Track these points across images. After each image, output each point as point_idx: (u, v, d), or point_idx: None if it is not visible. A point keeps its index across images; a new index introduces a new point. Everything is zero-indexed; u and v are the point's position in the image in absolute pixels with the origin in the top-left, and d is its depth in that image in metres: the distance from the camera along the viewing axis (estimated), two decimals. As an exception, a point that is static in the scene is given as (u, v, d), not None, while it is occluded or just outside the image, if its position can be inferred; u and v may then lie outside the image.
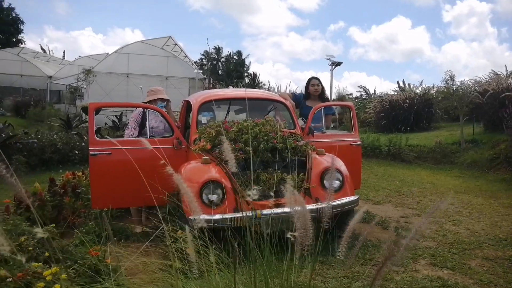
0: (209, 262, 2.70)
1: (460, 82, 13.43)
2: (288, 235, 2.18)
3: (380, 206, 6.74)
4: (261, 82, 51.21)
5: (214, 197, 4.25)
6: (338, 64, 17.38)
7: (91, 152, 5.01)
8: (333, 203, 4.33)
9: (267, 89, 31.98)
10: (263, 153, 4.63)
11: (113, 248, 3.45)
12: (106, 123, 18.16)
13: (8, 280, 3.15)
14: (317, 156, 4.83)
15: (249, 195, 4.28)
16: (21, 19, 41.03)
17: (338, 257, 2.01)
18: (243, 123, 4.92)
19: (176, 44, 25.66)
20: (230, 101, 5.78)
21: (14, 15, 40.36)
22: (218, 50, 58.26)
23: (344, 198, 4.45)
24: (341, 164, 4.80)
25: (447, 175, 10.10)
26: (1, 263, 3.71)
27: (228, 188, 4.28)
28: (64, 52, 45.11)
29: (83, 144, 11.68)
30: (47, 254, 3.97)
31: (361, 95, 29.57)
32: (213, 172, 4.43)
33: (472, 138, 12.78)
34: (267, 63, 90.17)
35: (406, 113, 16.23)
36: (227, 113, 5.72)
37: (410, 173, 10.06)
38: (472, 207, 6.74)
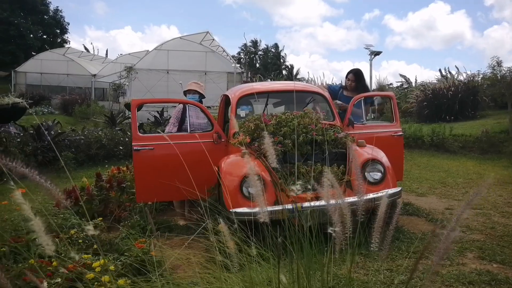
0: (249, 255, 2.71)
1: (508, 68, 12.92)
2: (329, 230, 2.15)
3: (424, 198, 6.59)
4: (298, 74, 51.07)
5: (253, 190, 4.25)
6: (377, 53, 17.01)
7: (135, 148, 5.12)
8: (375, 196, 4.27)
9: (305, 81, 31.83)
10: (302, 146, 4.61)
11: (157, 241, 3.53)
12: (148, 119, 18.52)
13: (60, 271, 3.28)
14: (357, 148, 4.76)
15: (292, 190, 4.29)
16: (65, 20, 42.24)
17: (372, 249, 1.98)
18: (282, 116, 4.91)
19: (213, 39, 25.83)
20: (268, 94, 5.77)
21: (59, 17, 41.56)
22: (255, 43, 58.29)
23: (385, 190, 4.37)
24: (382, 156, 4.72)
25: (494, 165, 9.76)
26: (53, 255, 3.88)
27: (267, 181, 4.29)
28: (107, 51, 46.30)
29: (126, 139, 11.95)
30: (95, 246, 4.11)
31: (401, 85, 28.96)
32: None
33: (522, 126, 12.28)
34: (303, 54, 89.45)
35: (450, 101, 15.72)
36: (265, 106, 5.72)
37: (455, 164, 9.77)
38: (523, 198, 6.48)
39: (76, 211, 5.78)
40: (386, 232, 4.26)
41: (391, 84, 25.54)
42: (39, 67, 31.73)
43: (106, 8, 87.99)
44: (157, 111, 18.48)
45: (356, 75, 6.40)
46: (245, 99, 5.79)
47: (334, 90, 6.53)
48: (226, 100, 6.28)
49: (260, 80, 37.31)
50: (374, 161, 4.52)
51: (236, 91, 5.81)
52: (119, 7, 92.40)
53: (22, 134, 10.73)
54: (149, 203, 5.52)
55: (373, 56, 17.05)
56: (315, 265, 3.01)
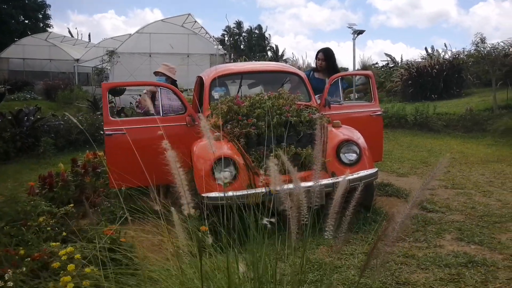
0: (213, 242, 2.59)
1: (492, 44, 12.79)
2: (265, 221, 2.05)
3: (405, 178, 6.50)
4: (284, 55, 50.71)
5: (226, 174, 4.13)
6: (360, 32, 16.78)
7: (106, 132, 4.97)
8: (350, 177, 4.15)
9: (290, 62, 31.58)
10: (276, 128, 4.47)
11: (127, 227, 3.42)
12: (131, 103, 18.28)
13: (26, 260, 3.17)
14: (332, 129, 4.64)
15: (264, 172, 4.15)
16: (47, 4, 41.35)
17: (326, 236, 1.86)
18: (256, 97, 4.76)
19: (195, 21, 25.46)
20: (241, 75, 5.60)
21: (40, 1, 40.66)
22: (239, 25, 57.65)
23: (361, 172, 4.26)
24: (358, 136, 4.61)
25: (478, 143, 9.70)
26: (21, 243, 3.75)
27: (240, 164, 4.16)
28: (89, 35, 45.55)
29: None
30: (64, 234, 3.99)
31: (387, 64, 28.84)
32: (225, 148, 4.31)
33: (506, 103, 12.21)
34: (288, 35, 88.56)
35: (434, 80, 15.63)
36: (239, 87, 5.56)
37: (438, 143, 9.70)
38: (505, 177, 6.41)
39: (51, 197, 5.65)
40: (359, 215, 4.15)
41: (376, 63, 25.41)
42: (21, 52, 31.10)
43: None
44: (140, 95, 18.21)
45: (326, 54, 6.22)
46: (220, 81, 5.63)
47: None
48: (200, 82, 6.11)
49: (245, 62, 37.12)
50: (349, 141, 4.40)
51: (210, 73, 5.64)
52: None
53: (0, 120, 10.46)
54: (123, 188, 5.37)
55: (356, 35, 16.83)
56: (283, 252, 2.91)
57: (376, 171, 4.38)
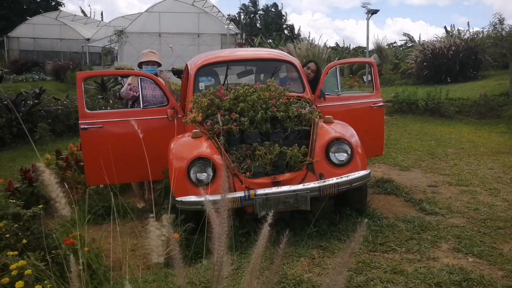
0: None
1: (511, 26, 12.12)
2: None
3: (408, 173, 6.08)
4: (300, 34, 49.84)
5: (203, 176, 3.79)
6: (374, 12, 16.12)
7: (81, 126, 4.65)
8: (339, 180, 3.79)
9: (307, 41, 30.90)
10: (261, 124, 4.10)
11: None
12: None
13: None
14: (323, 125, 4.24)
15: (243, 173, 3.81)
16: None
17: None
18: (240, 89, 4.37)
19: (206, 0, 24.87)
20: (227, 63, 5.20)
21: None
22: (254, 3, 56.65)
23: (352, 174, 3.87)
24: (350, 133, 4.20)
25: (491, 131, 9.19)
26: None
27: (219, 165, 3.81)
28: (102, 14, 45.20)
29: (108, 108, 11.45)
30: (24, 241, 3.72)
31: (405, 43, 28.04)
32: (204, 147, 3.97)
33: (524, 87, 11.61)
34: (306, 13, 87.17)
35: (450, 62, 14.98)
36: (225, 78, 5.16)
37: (449, 130, 9.20)
38: (516, 171, 5.97)
39: (30, 192, 5.39)
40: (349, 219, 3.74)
41: (395, 42, 24.71)
42: (32, 32, 30.92)
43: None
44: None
45: (317, 66, 5.79)
46: (208, 69, 5.26)
47: None
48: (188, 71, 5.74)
49: (261, 41, 36.43)
50: (340, 140, 4.01)
51: (196, 61, 5.24)
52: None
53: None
54: (101, 186, 5.08)
55: (370, 14, 16.20)
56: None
57: (369, 173, 3.98)
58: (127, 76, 6.32)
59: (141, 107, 4.82)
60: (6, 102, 10.24)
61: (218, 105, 4.25)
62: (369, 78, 17.42)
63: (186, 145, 4.07)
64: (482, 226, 4.06)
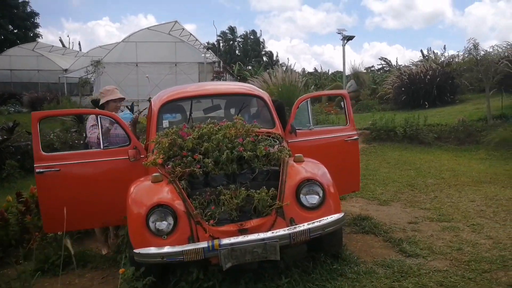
0: None
1: (485, 51, 12.14)
2: None
3: (387, 208, 5.83)
4: (278, 60, 50.16)
5: (163, 225, 3.48)
6: (350, 38, 16.20)
7: (37, 170, 4.30)
8: (311, 226, 3.50)
9: (285, 67, 30.98)
10: (226, 165, 3.81)
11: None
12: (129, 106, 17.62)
13: None
14: (294, 164, 3.97)
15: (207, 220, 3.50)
16: (36, 13, 40.65)
17: None
18: (205, 127, 4.10)
19: (183, 29, 24.88)
20: (191, 100, 4.93)
21: (29, 9, 39.99)
22: (232, 30, 57.03)
23: (324, 218, 3.59)
24: (322, 172, 3.93)
25: (471, 157, 9.06)
26: None
27: (181, 212, 3.51)
28: (79, 44, 44.92)
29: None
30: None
31: (383, 67, 28.30)
32: (164, 192, 3.66)
33: (501, 113, 11.55)
34: (284, 39, 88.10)
35: (427, 86, 15.00)
36: (189, 115, 4.88)
37: (429, 158, 9.04)
38: (498, 203, 5.74)
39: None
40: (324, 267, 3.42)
41: (372, 67, 24.90)
42: (8, 63, 30.57)
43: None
44: (127, 106, 17.61)
45: (280, 108, 5.55)
46: (173, 105, 4.98)
47: None
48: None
49: (240, 68, 36.43)
50: (311, 181, 3.73)
51: (161, 97, 4.97)
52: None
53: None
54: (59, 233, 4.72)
55: (345, 41, 16.24)
56: None
57: (343, 216, 3.70)
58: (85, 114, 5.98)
59: (101, 147, 4.51)
60: (-29, 139, 9.84)
61: (180, 146, 3.96)
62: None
63: (145, 190, 3.76)
64: (466, 269, 3.79)
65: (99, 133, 4.55)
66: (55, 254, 4.47)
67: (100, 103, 5.14)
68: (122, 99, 5.26)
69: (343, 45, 16.51)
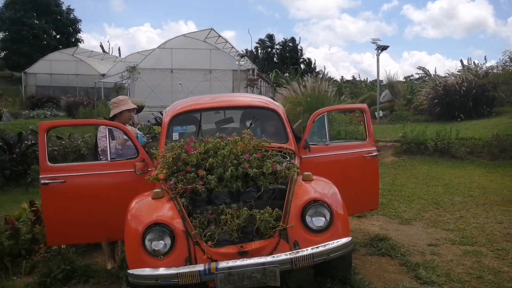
0: None
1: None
2: None
3: (407, 227, 5.54)
4: (316, 68, 49.85)
5: (160, 245, 3.34)
6: (384, 48, 15.82)
7: (42, 181, 4.25)
8: (314, 250, 3.30)
9: (322, 75, 30.65)
10: (231, 182, 3.66)
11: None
12: (148, 120, 17.85)
13: None
14: (302, 183, 3.77)
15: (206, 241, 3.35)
16: (78, 19, 41.84)
17: None
18: (212, 141, 3.96)
19: (219, 36, 24.94)
20: (200, 112, 4.80)
21: (72, 16, 41.18)
22: (270, 37, 57.03)
23: (329, 243, 3.38)
24: (332, 193, 3.71)
25: (504, 174, 8.60)
26: None
27: (179, 232, 3.37)
28: (119, 49, 45.82)
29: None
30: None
31: (421, 77, 27.65)
32: (164, 210, 3.53)
33: (540, 126, 11.01)
34: (323, 47, 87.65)
35: (463, 98, 14.45)
36: (199, 128, 4.75)
37: (459, 173, 8.64)
38: (528, 227, 5.38)
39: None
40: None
41: (411, 75, 24.38)
42: (49, 68, 31.45)
43: (124, 5, 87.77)
44: (160, 112, 17.79)
45: None
46: (185, 117, 4.86)
47: None
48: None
49: (276, 76, 36.32)
50: (318, 202, 3.53)
51: (173, 108, 4.88)
52: (137, 4, 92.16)
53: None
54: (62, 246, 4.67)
55: (380, 50, 15.87)
56: None
57: (350, 241, 3.48)
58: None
59: (108, 159, 4.44)
60: (0, 143, 10.04)
61: (185, 160, 3.84)
62: (381, 115, 16.97)
63: (145, 207, 3.64)
64: (485, 301, 3.52)
65: (107, 145, 4.48)
66: (58, 267, 4.40)
67: (113, 114, 5.07)
68: (135, 109, 5.19)
69: (377, 55, 16.15)
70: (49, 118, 21.75)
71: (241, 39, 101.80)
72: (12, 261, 4.93)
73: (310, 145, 4.61)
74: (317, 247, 3.33)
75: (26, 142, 10.58)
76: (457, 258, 4.44)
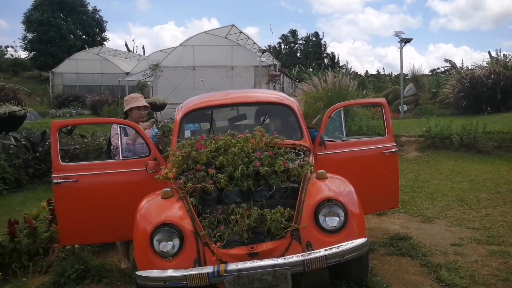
0: None
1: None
2: None
3: (430, 226, 5.33)
4: (339, 62, 49.35)
5: (168, 246, 3.26)
6: (408, 40, 15.47)
7: (55, 180, 4.22)
8: (327, 252, 3.16)
9: (345, 70, 30.25)
10: (241, 181, 3.54)
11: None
12: (171, 118, 17.93)
13: None
14: (316, 181, 3.63)
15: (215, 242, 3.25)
16: (104, 19, 42.47)
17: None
18: (222, 139, 3.85)
19: (240, 32, 24.87)
20: (212, 109, 4.70)
21: (98, 16, 41.81)
22: (293, 33, 56.71)
23: (344, 244, 3.23)
24: (347, 192, 3.56)
25: (535, 169, 8.27)
26: None
27: (188, 232, 3.28)
28: (143, 48, 46.18)
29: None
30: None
31: (448, 69, 27.02)
32: (173, 210, 3.44)
33: None
34: (346, 41, 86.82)
35: (490, 91, 14.01)
36: (211, 126, 4.65)
37: (486, 169, 8.33)
38: (558, 224, 5.12)
39: (12, 248, 5.01)
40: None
41: (438, 68, 23.84)
42: (75, 67, 32.06)
43: (148, 4, 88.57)
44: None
45: None
46: (198, 114, 4.77)
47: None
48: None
49: (299, 71, 36.02)
50: (332, 201, 3.38)
51: (186, 105, 4.79)
52: (162, 3, 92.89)
53: (13, 146, 10.13)
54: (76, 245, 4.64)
55: (403, 44, 15.53)
56: None
57: (366, 242, 3.32)
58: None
59: (120, 158, 4.38)
60: (24, 142, 10.17)
61: (194, 159, 3.74)
62: (405, 109, 16.61)
63: (154, 207, 3.56)
64: (510, 304, 3.33)
65: (118, 143, 4.43)
66: (72, 267, 4.37)
67: (124, 111, 5.02)
68: (146, 107, 5.11)
69: (401, 48, 15.82)
70: (74, 116, 22.11)
71: (264, 35, 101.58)
72: (30, 259, 4.94)
73: (326, 142, 4.47)
74: (330, 249, 3.19)
75: (49, 140, 10.69)
76: (482, 259, 4.23)
